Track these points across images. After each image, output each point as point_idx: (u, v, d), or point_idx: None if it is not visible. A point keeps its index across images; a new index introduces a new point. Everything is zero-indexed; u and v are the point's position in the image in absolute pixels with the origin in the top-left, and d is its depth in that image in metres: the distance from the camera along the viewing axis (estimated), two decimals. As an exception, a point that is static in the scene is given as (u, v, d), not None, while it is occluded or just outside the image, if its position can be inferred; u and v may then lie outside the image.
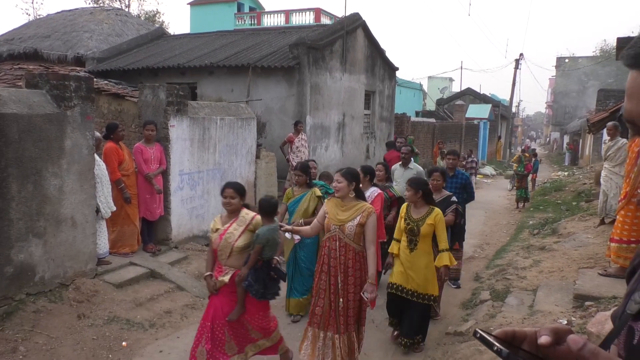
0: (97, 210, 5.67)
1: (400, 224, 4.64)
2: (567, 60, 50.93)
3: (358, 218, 3.87)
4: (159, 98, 6.92)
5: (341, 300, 3.89)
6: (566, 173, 21.13)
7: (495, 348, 0.77)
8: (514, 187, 14.80)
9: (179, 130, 7.06)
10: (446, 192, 5.48)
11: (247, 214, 3.81)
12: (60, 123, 5.07)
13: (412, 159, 7.64)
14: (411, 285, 4.52)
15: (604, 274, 5.30)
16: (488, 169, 23.75)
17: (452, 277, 6.22)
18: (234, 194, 3.73)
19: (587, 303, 4.64)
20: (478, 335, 0.81)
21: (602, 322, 3.66)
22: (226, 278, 3.74)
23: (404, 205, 4.70)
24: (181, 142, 7.12)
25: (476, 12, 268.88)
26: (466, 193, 6.53)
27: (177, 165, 7.06)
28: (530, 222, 10.52)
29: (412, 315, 4.60)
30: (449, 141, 20.75)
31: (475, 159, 16.35)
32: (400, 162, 7.55)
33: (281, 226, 3.91)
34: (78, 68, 12.38)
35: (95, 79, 7.13)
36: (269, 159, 9.38)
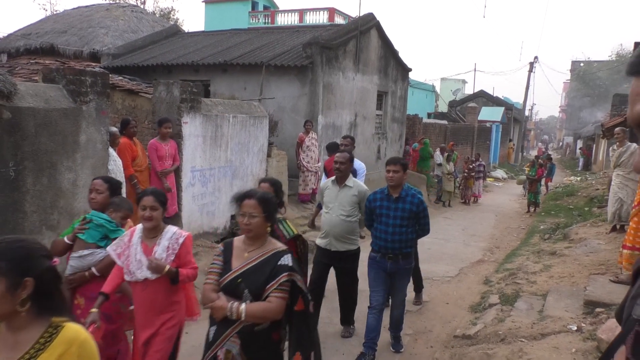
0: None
1: None
2: (582, 64, 50.45)
3: None
4: (172, 95, 6.97)
5: None
6: (579, 178, 20.93)
7: None
8: (528, 192, 14.68)
9: (191, 127, 7.11)
10: (275, 244, 2.69)
11: None
12: (75, 118, 5.13)
13: (352, 173, 4.85)
14: None
15: (615, 281, 5.26)
16: (499, 172, 23.62)
17: None
18: None
19: (597, 309, 4.61)
20: None
21: (612, 329, 3.64)
22: None
23: None
24: (194, 138, 7.17)
25: (491, 14, 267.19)
26: (418, 226, 4.37)
27: (189, 161, 7.11)
28: (542, 227, 10.45)
29: None
30: (460, 143, 20.67)
31: (482, 163, 16.11)
32: (333, 177, 4.77)
33: None
34: (93, 64, 12.51)
35: (110, 75, 7.21)
36: (280, 157, 9.41)
